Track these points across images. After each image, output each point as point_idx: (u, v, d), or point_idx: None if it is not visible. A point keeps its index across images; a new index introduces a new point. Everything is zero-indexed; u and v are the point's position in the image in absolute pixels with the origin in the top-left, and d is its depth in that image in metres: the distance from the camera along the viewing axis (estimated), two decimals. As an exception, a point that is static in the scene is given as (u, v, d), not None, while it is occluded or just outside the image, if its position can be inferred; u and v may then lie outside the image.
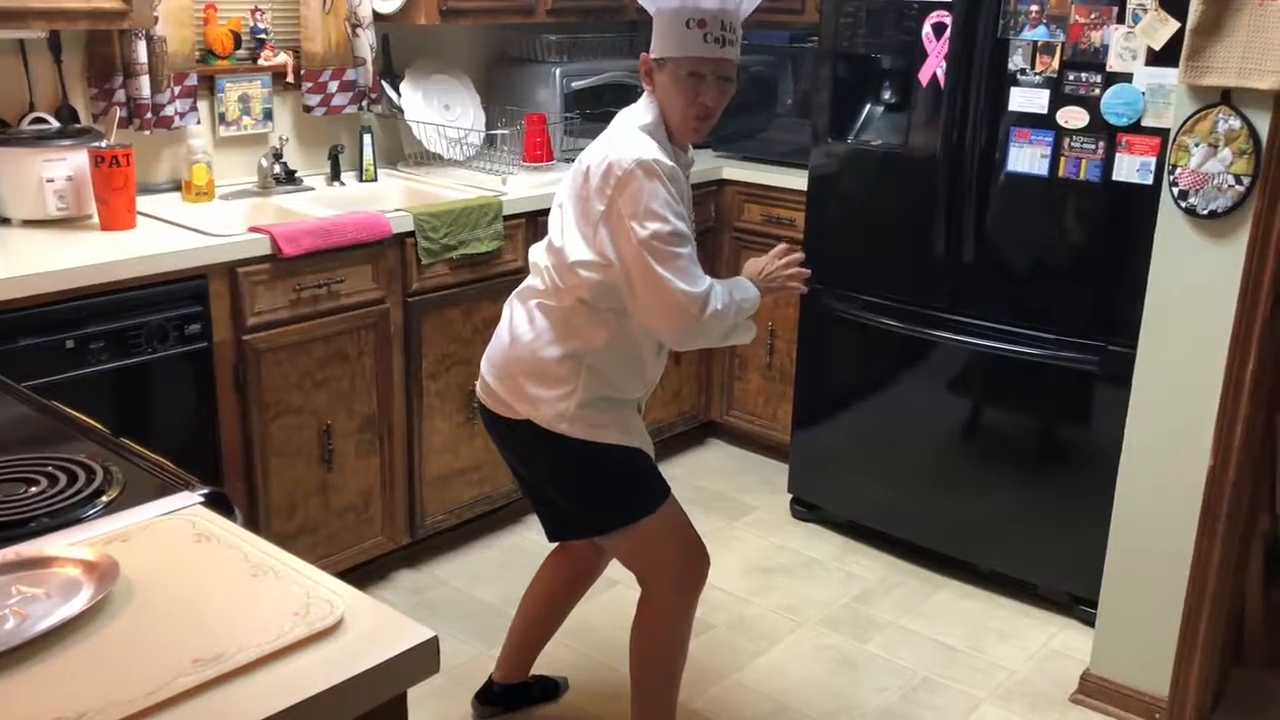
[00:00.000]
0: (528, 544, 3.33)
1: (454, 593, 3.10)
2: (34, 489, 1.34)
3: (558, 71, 3.68)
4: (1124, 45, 2.66)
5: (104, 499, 1.33)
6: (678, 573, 2.26)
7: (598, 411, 2.12)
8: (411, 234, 2.93)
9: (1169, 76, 2.54)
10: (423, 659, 1.07)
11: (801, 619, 3.03)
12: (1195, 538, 2.45)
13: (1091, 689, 2.68)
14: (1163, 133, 2.59)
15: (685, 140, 2.15)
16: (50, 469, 1.39)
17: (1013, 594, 3.12)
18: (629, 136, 2.05)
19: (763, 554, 3.37)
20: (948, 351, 3.11)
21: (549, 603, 2.54)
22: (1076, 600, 3.00)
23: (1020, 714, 2.65)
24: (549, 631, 2.59)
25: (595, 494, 2.21)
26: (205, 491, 1.36)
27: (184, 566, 1.18)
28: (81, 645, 1.04)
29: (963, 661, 2.85)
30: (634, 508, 2.19)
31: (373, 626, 1.09)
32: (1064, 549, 2.97)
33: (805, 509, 3.56)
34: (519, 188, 3.29)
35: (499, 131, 3.65)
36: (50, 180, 2.65)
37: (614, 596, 2.98)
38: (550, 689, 2.67)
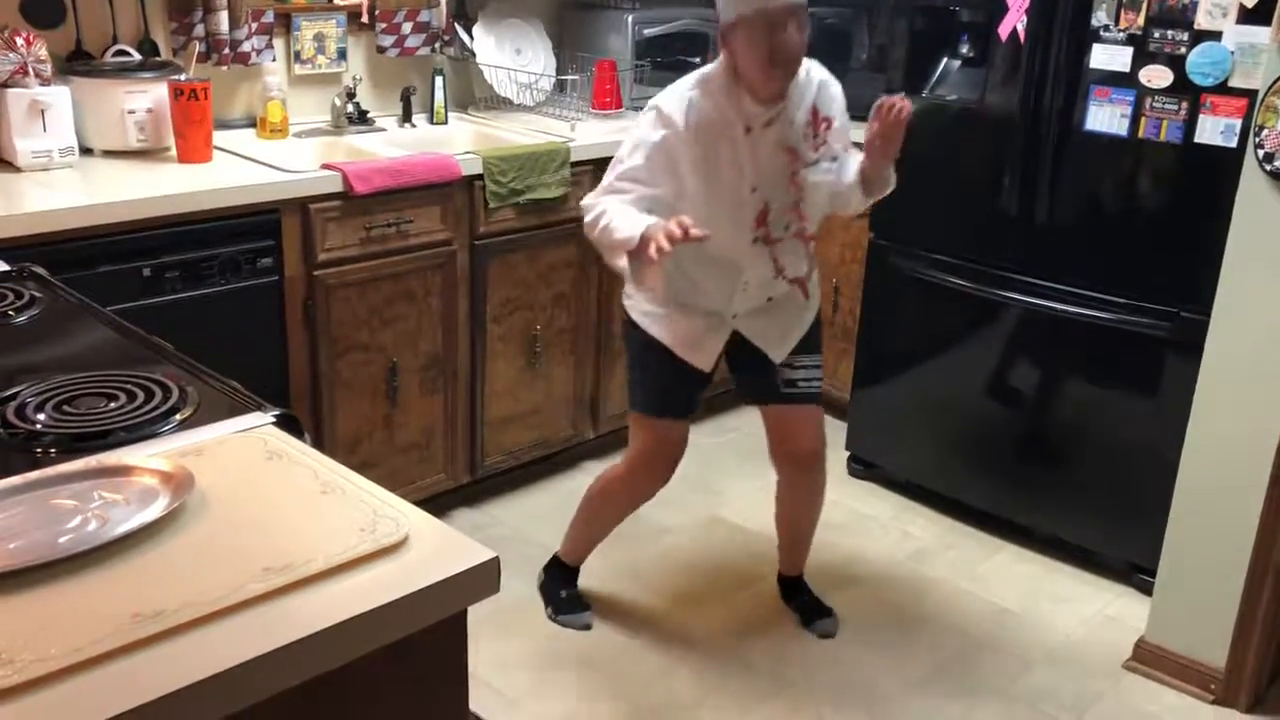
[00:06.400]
0: (583, 489, 3.35)
1: (512, 532, 3.15)
2: (114, 404, 1.39)
3: (630, 18, 3.65)
4: (1213, 2, 2.58)
5: (179, 416, 1.37)
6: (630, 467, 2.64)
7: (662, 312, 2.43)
8: (480, 177, 2.94)
9: (1260, 35, 2.46)
10: (484, 578, 1.09)
11: (856, 575, 3.03)
12: (1261, 509, 2.41)
13: (1146, 656, 2.65)
14: (1250, 94, 2.51)
15: (770, 94, 2.19)
16: (130, 386, 1.43)
17: (1070, 560, 3.10)
18: (678, 83, 2.28)
19: (818, 509, 3.37)
20: (1015, 313, 3.07)
21: (779, 503, 2.76)
22: (1135, 568, 2.97)
23: (1073, 678, 2.64)
24: (781, 530, 2.81)
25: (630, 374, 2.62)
26: (276, 413, 1.39)
27: (255, 481, 1.21)
28: (158, 550, 1.07)
29: (1017, 624, 2.84)
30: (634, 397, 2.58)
31: (436, 545, 1.11)
32: (1124, 516, 2.93)
33: (862, 466, 3.55)
34: (587, 134, 3.29)
35: (569, 77, 3.64)
36: (131, 112, 2.71)
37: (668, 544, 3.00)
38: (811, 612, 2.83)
